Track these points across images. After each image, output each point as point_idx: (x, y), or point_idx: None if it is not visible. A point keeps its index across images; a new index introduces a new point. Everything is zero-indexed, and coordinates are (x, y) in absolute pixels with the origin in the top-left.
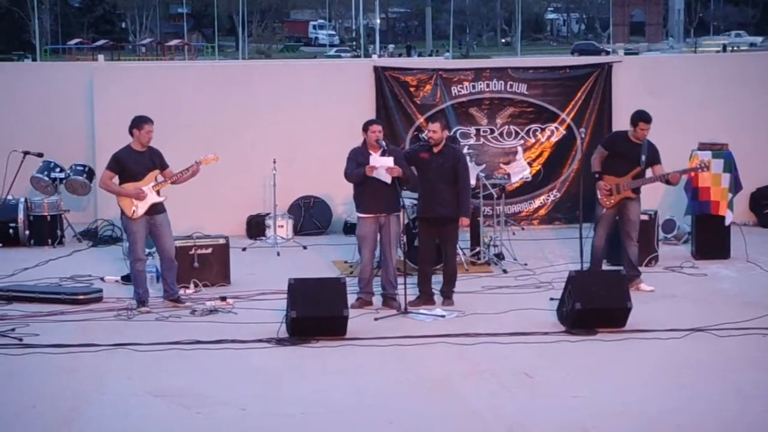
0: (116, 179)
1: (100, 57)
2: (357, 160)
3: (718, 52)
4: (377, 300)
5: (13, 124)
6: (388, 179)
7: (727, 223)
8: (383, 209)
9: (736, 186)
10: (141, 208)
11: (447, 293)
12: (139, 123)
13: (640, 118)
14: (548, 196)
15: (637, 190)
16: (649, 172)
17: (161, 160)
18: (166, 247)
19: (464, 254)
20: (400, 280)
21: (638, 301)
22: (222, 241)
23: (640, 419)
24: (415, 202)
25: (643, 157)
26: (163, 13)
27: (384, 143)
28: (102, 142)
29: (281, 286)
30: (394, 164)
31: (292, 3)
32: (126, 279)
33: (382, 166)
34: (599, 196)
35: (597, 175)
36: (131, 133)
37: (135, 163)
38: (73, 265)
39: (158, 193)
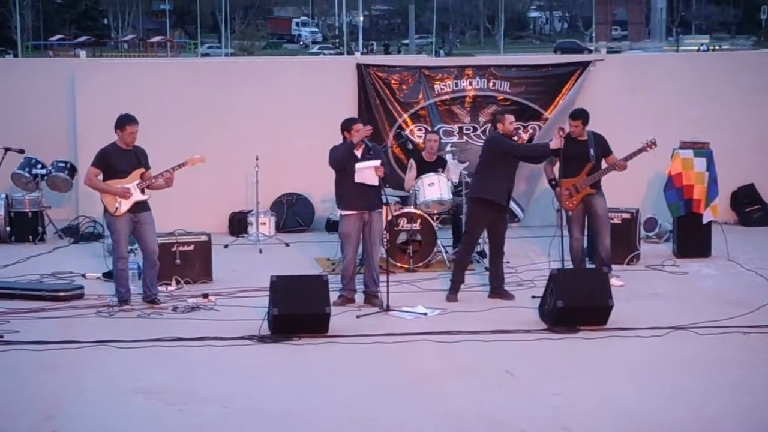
0: (101, 176)
1: (82, 53)
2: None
3: (698, 50)
4: (359, 297)
5: None
6: (375, 181)
7: (705, 221)
8: (367, 206)
9: (715, 184)
10: (124, 205)
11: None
12: (122, 124)
13: (569, 116)
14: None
15: (596, 185)
16: (604, 164)
17: (146, 160)
18: (150, 245)
19: (446, 252)
20: (383, 277)
21: (620, 300)
22: (204, 238)
23: (620, 417)
24: (398, 199)
25: (592, 152)
26: (145, 10)
27: (366, 141)
28: (83, 139)
29: (263, 283)
30: (379, 164)
31: (275, 0)
32: (108, 276)
33: (369, 168)
34: (562, 202)
35: (554, 182)
36: (115, 132)
37: (120, 160)
38: (55, 262)
39: (143, 191)
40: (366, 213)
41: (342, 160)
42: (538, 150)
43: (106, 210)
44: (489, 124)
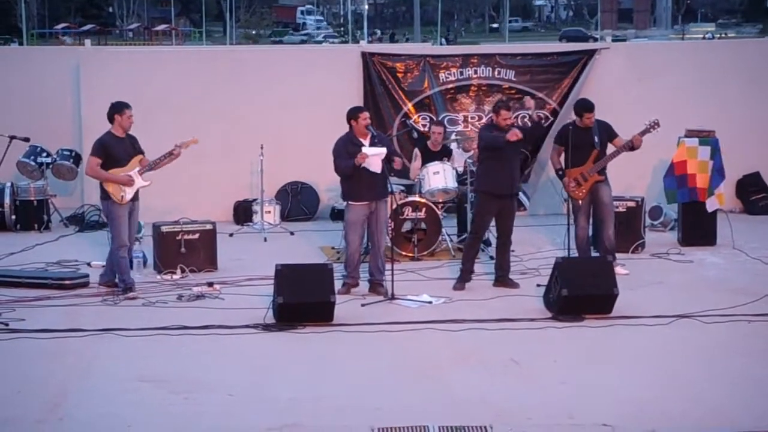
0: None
1: (87, 42)
2: (348, 151)
3: (703, 38)
4: (364, 285)
5: (0, 108)
6: (378, 169)
7: (709, 209)
8: (375, 196)
9: (718, 174)
10: (129, 193)
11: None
12: (121, 109)
13: (584, 108)
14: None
15: (602, 172)
16: (611, 148)
17: (139, 146)
18: (132, 234)
19: (451, 240)
20: (387, 266)
21: (625, 288)
22: (209, 226)
23: (625, 405)
24: (403, 187)
25: (596, 139)
26: None
27: (372, 129)
28: (89, 127)
29: (268, 271)
30: (386, 152)
31: None
32: None
33: (375, 155)
34: (569, 192)
35: (561, 172)
36: (112, 119)
37: (119, 149)
38: (60, 250)
39: (141, 176)
40: (373, 202)
41: (349, 170)
42: (495, 142)
43: (107, 197)
44: (494, 114)
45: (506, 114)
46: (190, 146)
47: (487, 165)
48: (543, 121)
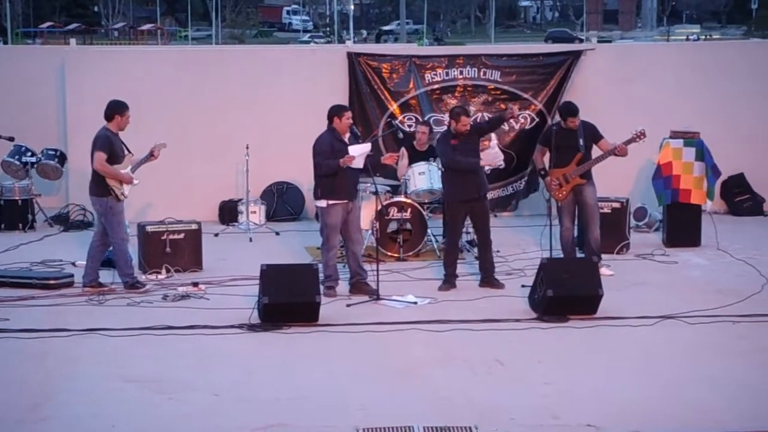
0: None
1: (72, 41)
2: (334, 149)
3: (686, 39)
4: (345, 285)
5: None
6: (361, 165)
7: (708, 210)
8: (353, 195)
9: (713, 172)
10: (127, 190)
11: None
12: (122, 109)
13: (568, 112)
14: (521, 183)
15: (586, 175)
16: (598, 150)
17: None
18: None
19: (437, 241)
20: (372, 266)
21: (609, 289)
22: (194, 226)
23: (610, 406)
24: (388, 188)
25: (581, 142)
26: None
27: (355, 128)
28: (74, 127)
29: (253, 272)
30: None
31: None
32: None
33: (361, 155)
34: (551, 192)
35: (543, 172)
36: (111, 118)
37: (118, 146)
38: (44, 250)
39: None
40: (350, 202)
41: (332, 170)
42: (466, 165)
43: (106, 194)
44: (452, 121)
45: (466, 120)
46: (160, 150)
47: (450, 174)
48: (511, 114)
